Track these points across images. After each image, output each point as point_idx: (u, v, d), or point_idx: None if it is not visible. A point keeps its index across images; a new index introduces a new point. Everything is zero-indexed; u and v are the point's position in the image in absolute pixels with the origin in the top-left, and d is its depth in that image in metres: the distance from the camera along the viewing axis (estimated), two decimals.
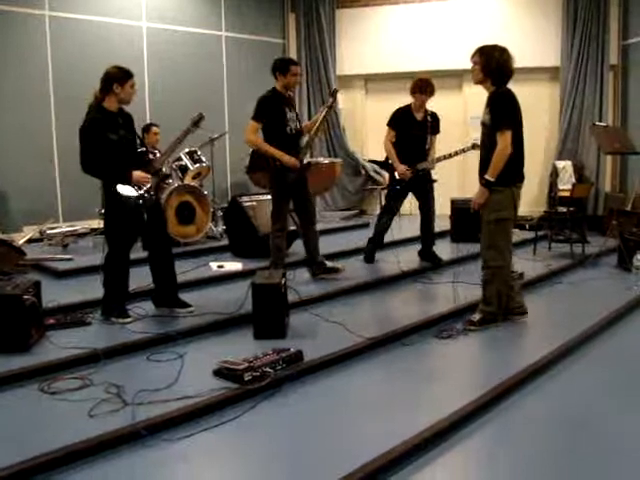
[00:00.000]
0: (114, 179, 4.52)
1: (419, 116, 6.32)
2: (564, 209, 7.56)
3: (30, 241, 6.97)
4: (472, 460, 3.02)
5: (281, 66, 5.55)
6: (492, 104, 4.47)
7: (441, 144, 6.54)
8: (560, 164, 9.15)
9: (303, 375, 3.78)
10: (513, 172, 4.54)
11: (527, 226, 8.45)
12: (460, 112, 9.69)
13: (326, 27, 9.94)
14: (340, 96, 10.01)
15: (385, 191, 6.78)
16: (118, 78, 4.50)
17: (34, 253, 6.46)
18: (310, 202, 5.90)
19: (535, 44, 9.30)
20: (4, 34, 7.25)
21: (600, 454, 2.97)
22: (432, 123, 6.35)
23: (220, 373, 3.67)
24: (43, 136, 7.52)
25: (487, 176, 4.47)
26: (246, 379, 3.50)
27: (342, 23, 10.09)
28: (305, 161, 5.75)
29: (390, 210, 6.56)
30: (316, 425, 3.24)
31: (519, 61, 8.73)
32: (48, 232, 7.05)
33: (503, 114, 4.44)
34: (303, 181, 5.72)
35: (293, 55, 10.00)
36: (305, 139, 5.83)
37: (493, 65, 4.44)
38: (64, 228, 7.18)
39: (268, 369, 3.60)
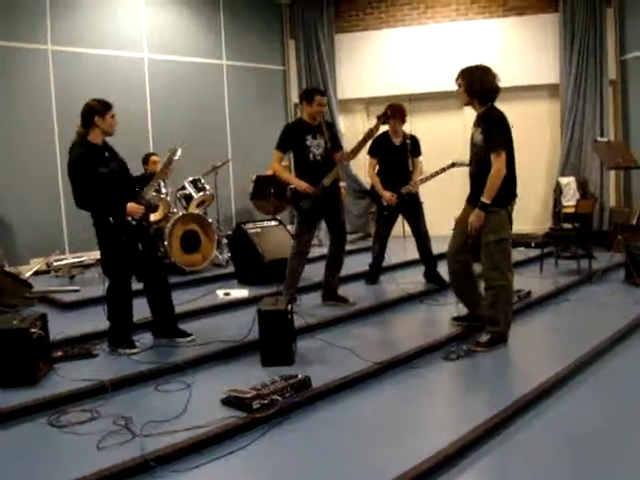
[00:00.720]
0: (108, 212, 4.54)
1: (397, 141, 6.49)
2: (569, 225, 7.55)
3: (37, 273, 7.00)
4: None
5: (307, 96, 5.66)
6: (484, 124, 4.50)
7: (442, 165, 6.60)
8: (564, 180, 9.15)
9: (312, 402, 3.76)
10: (508, 192, 4.55)
11: (533, 244, 8.43)
12: (461, 133, 9.67)
13: (325, 52, 10.01)
14: (341, 120, 10.15)
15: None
16: (98, 110, 4.52)
17: (41, 285, 6.47)
18: (342, 225, 5.86)
19: (534, 62, 9.36)
20: (8, 69, 7.33)
21: (619, 473, 2.95)
22: (412, 146, 6.49)
23: (228, 402, 3.66)
24: (48, 169, 7.58)
25: (484, 199, 4.46)
26: (254, 407, 3.49)
27: (341, 47, 10.16)
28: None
29: (381, 236, 6.67)
30: (326, 452, 3.22)
31: (519, 79, 8.85)
32: (54, 264, 7.08)
33: (497, 135, 4.45)
34: (334, 204, 5.74)
35: (294, 82, 10.09)
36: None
37: (476, 86, 4.48)
38: (70, 260, 7.21)
39: (276, 397, 3.59)
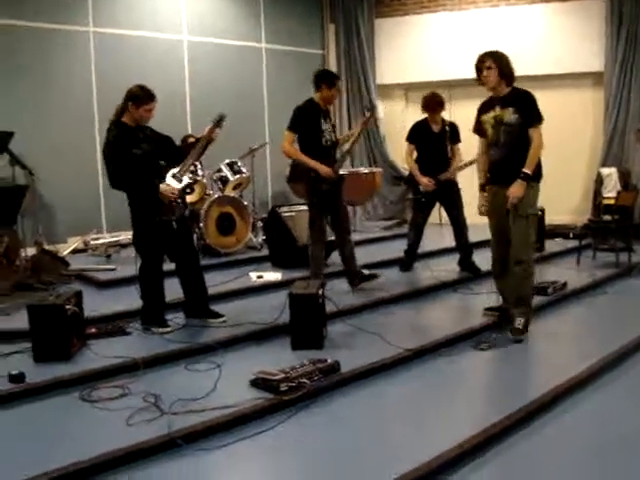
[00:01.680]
0: (142, 192, 4.57)
1: (436, 128, 6.44)
2: (609, 217, 7.41)
3: (74, 252, 7.12)
4: (509, 475, 2.95)
5: (328, 79, 5.59)
6: (520, 103, 4.59)
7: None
8: (605, 171, 8.96)
9: (340, 386, 3.77)
10: (540, 168, 4.68)
11: (571, 234, 8.28)
12: None
13: (365, 37, 9.94)
14: (381, 105, 10.07)
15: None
16: (135, 98, 4.52)
17: (78, 263, 6.58)
18: (344, 213, 5.89)
19: (578, 50, 9.15)
20: (50, 51, 7.42)
21: None
22: (450, 133, 6.44)
23: (257, 383, 3.68)
24: (87, 150, 7.67)
25: (526, 170, 4.53)
26: (282, 389, 3.51)
27: (381, 33, 10.06)
28: (341, 172, 5.76)
29: (418, 223, 6.62)
30: (352, 436, 3.23)
31: (562, 67, 8.70)
32: (92, 243, 7.19)
33: (535, 111, 4.60)
34: (337, 193, 5.72)
35: (333, 66, 10.02)
36: (343, 150, 5.84)
37: (507, 68, 4.61)
38: (107, 239, 7.31)
39: (304, 380, 3.60)
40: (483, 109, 4.82)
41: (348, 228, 5.88)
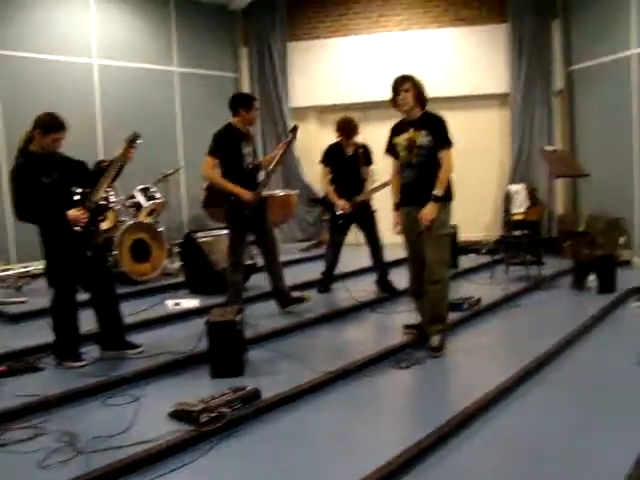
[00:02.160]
0: (50, 222, 4.43)
1: (349, 150, 6.55)
2: (519, 232, 7.68)
3: None
4: None
5: (245, 102, 5.61)
6: (432, 126, 4.71)
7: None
8: (513, 188, 9.31)
9: (261, 413, 3.72)
10: (451, 189, 4.80)
11: (483, 250, 8.54)
12: None
13: (278, 60, 10.01)
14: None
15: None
16: (43, 126, 4.37)
17: None
18: (271, 235, 5.90)
19: (484, 72, 9.54)
20: None
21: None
22: (363, 155, 6.55)
23: (176, 415, 3.60)
24: None
25: (437, 192, 4.64)
26: (202, 420, 3.43)
27: (294, 56, 10.18)
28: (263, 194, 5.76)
29: (335, 244, 6.69)
30: (275, 465, 3.18)
31: (469, 88, 9.01)
32: (0, 274, 6.90)
33: (446, 134, 4.73)
34: (262, 214, 5.73)
35: (246, 89, 10.05)
36: (264, 173, 5.83)
37: (423, 93, 4.75)
38: (17, 270, 7.03)
39: (224, 409, 3.54)
40: (395, 131, 4.91)
41: (275, 250, 5.87)
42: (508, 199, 9.32)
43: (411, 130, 4.75)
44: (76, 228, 4.43)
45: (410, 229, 4.84)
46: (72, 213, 4.41)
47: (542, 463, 3.12)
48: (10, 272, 6.96)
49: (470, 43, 9.62)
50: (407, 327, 5.18)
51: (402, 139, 4.80)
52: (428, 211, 4.64)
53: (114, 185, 6.48)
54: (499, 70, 9.54)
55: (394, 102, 4.78)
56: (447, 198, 4.74)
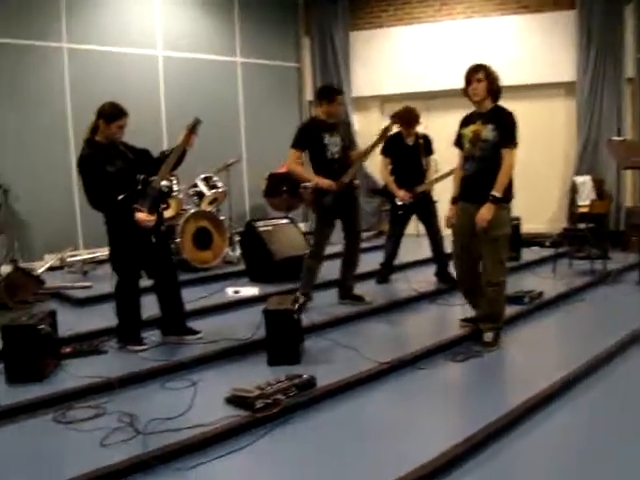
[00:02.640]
0: (116, 211, 4.53)
1: (410, 140, 6.49)
2: (584, 225, 7.49)
3: (51, 269, 7.05)
4: None
5: (328, 95, 5.63)
6: (500, 121, 4.55)
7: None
8: (579, 179, 9.06)
9: (316, 402, 3.75)
10: (512, 189, 4.67)
11: (547, 243, 8.36)
12: None
13: (340, 49, 10.00)
14: (356, 117, 10.12)
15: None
16: (106, 115, 4.49)
17: (54, 281, 6.53)
18: (358, 224, 5.89)
19: (550, 60, 9.28)
20: (23, 68, 7.39)
21: None
22: (424, 145, 6.50)
23: (232, 401, 3.66)
24: (62, 166, 7.64)
25: (495, 192, 4.51)
26: (257, 407, 3.49)
27: (356, 45, 10.14)
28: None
29: (395, 235, 6.68)
30: (326, 452, 3.22)
31: (535, 77, 8.80)
32: (68, 260, 7.14)
33: (514, 131, 4.57)
34: (351, 202, 5.74)
35: (308, 79, 10.08)
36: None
37: (496, 83, 4.59)
38: (84, 256, 7.26)
39: (280, 396, 3.58)
40: (464, 123, 4.79)
41: (358, 241, 5.88)
42: (574, 191, 9.07)
43: (478, 122, 4.63)
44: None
45: (464, 226, 4.73)
46: (141, 217, 4.48)
47: (595, 466, 3.04)
48: (77, 258, 7.19)
49: (536, 31, 9.37)
50: (464, 320, 5.12)
51: (469, 131, 4.69)
52: (485, 212, 4.52)
53: (176, 173, 6.64)
54: (565, 58, 9.27)
55: (466, 92, 4.65)
56: (506, 200, 4.61)
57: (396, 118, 5.82)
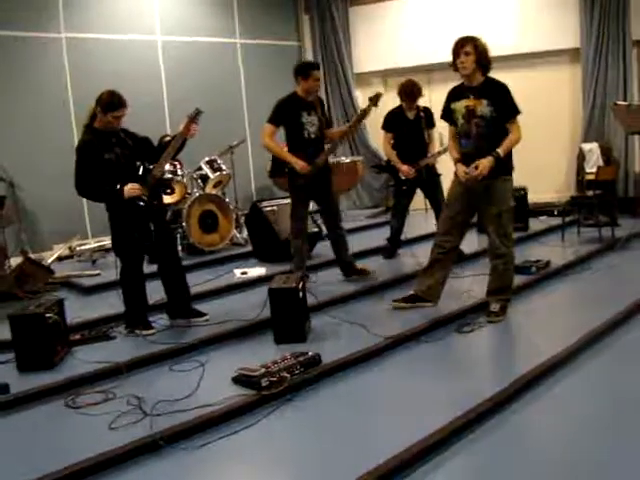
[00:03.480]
0: (107, 199, 4.57)
1: (411, 114, 6.46)
2: (592, 192, 7.43)
3: (60, 258, 7.12)
4: (491, 459, 2.95)
5: (302, 70, 5.56)
6: (495, 95, 4.48)
7: None
8: (586, 146, 8.96)
9: (321, 378, 3.78)
10: (511, 160, 4.65)
11: (555, 212, 8.30)
12: None
13: (340, 26, 9.92)
14: (359, 94, 10.07)
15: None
16: (103, 105, 4.46)
17: (64, 270, 6.58)
18: (333, 204, 5.89)
19: (553, 27, 9.14)
20: (23, 59, 7.39)
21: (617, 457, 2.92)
22: (425, 118, 6.45)
23: (239, 380, 3.70)
24: (66, 155, 7.56)
25: (500, 150, 4.44)
26: (263, 385, 3.52)
27: (356, 20, 10.05)
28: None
29: (400, 210, 6.67)
30: (333, 428, 3.24)
31: (539, 45, 8.65)
32: (77, 249, 7.19)
33: (513, 103, 4.50)
34: (325, 184, 5.72)
35: (310, 56, 10.01)
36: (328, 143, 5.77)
37: (485, 56, 4.47)
38: (92, 244, 7.31)
39: (285, 374, 3.62)
40: (453, 96, 4.70)
41: (338, 220, 5.87)
42: (581, 158, 8.98)
43: (471, 97, 4.54)
44: (140, 203, 4.56)
45: (459, 197, 4.70)
46: (127, 188, 4.50)
47: (601, 432, 3.06)
48: (86, 247, 7.24)
49: None
50: (395, 300, 5.07)
51: (460, 105, 4.60)
52: (486, 162, 4.41)
53: (180, 158, 6.65)
54: (569, 23, 9.13)
55: (454, 65, 4.54)
56: (508, 170, 4.58)
57: (375, 99, 5.70)
